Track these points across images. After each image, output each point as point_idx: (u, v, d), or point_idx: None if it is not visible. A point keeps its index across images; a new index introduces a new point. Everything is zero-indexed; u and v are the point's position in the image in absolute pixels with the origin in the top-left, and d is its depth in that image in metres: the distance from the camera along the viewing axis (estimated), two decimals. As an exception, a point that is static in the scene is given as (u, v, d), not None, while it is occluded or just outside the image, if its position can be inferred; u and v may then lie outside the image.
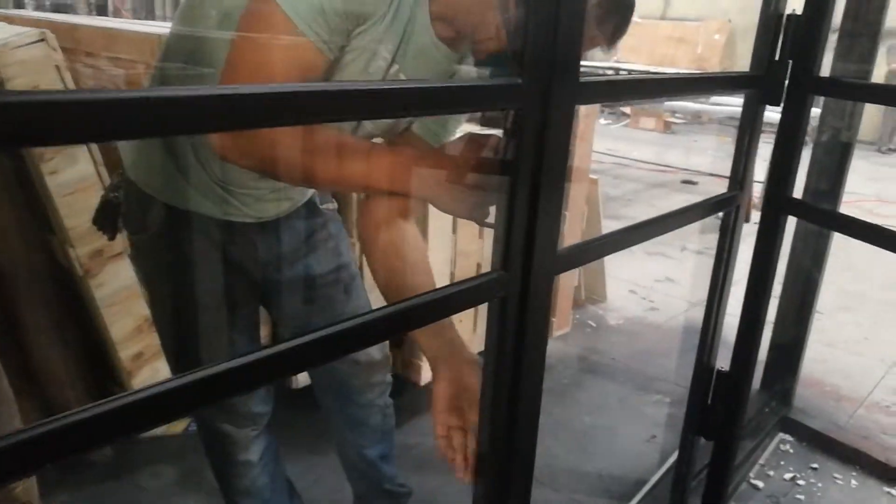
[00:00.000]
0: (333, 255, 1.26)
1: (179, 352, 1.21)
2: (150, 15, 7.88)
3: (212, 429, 1.26)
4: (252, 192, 1.08)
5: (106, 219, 1.20)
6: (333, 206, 1.31)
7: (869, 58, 1.85)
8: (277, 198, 1.13)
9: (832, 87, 1.46)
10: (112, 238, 1.25)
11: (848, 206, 1.50)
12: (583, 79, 0.76)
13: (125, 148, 1.11)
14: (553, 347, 0.73)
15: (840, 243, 2.04)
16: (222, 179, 1.05)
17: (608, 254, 0.94)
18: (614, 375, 2.39)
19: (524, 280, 0.77)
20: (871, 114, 7.03)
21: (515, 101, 0.70)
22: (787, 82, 1.23)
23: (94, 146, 1.58)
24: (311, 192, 1.22)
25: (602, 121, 8.07)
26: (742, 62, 8.08)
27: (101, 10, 7.69)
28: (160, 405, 0.53)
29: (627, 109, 8.16)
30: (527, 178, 0.73)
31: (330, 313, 1.25)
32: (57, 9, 7.06)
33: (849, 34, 1.85)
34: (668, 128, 7.91)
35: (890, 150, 7.53)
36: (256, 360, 0.57)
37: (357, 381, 1.32)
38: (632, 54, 9.18)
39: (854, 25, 1.85)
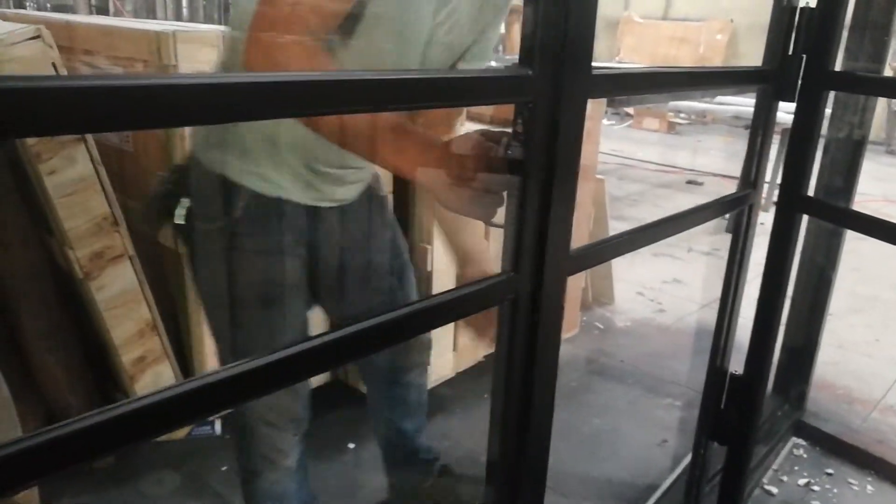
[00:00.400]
0: (391, 242, 1.28)
1: (248, 347, 1.16)
2: (150, 15, 7.86)
3: (255, 432, 1.22)
4: (334, 172, 1.07)
5: (162, 211, 1.15)
6: (384, 192, 1.32)
7: (880, 56, 1.81)
8: (354, 179, 1.13)
9: (847, 82, 1.43)
10: (157, 234, 1.21)
11: (855, 206, 1.47)
12: (595, 71, 0.73)
13: (200, 137, 1.09)
14: (561, 350, 0.72)
15: (850, 245, 2.00)
16: (312, 160, 1.03)
17: (622, 254, 0.91)
18: (623, 378, 2.36)
19: (536, 281, 0.74)
20: (878, 114, 6.97)
21: (526, 93, 0.67)
22: (800, 77, 1.20)
23: (94, 147, 1.55)
24: (372, 173, 1.21)
25: (606, 122, 8.02)
26: (745, 62, 8.04)
27: (102, 12, 7.68)
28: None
29: (631, 110, 8.11)
30: (538, 174, 0.70)
31: (389, 300, 1.27)
32: (57, 9, 7.07)
33: (859, 31, 1.82)
34: (672, 128, 7.86)
35: None
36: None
37: (402, 363, 1.38)
38: (633, 55, 9.14)
39: (865, 22, 1.81)
